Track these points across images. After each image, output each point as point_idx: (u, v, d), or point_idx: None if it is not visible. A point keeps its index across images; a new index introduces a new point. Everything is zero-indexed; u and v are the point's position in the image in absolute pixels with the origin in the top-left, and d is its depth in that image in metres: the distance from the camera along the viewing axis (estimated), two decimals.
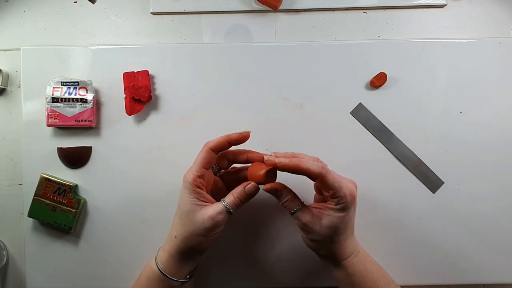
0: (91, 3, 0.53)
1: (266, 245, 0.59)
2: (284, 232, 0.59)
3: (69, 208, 0.58)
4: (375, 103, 0.59)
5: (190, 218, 0.49)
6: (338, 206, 0.48)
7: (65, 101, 0.57)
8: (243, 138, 0.51)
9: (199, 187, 0.50)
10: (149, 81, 0.58)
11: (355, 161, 0.59)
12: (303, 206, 0.50)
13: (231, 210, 0.50)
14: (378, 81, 0.58)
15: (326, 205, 0.49)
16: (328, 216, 0.48)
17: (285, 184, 0.51)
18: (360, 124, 0.59)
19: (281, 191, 0.51)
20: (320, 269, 0.59)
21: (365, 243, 0.59)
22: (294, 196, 0.51)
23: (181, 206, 0.50)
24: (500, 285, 0.60)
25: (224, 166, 0.53)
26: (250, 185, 0.51)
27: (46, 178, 0.58)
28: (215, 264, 0.59)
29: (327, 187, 0.48)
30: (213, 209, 0.49)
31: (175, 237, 0.50)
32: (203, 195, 0.50)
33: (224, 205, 0.50)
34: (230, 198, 0.50)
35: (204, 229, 0.49)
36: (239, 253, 0.59)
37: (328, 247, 0.50)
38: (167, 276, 0.50)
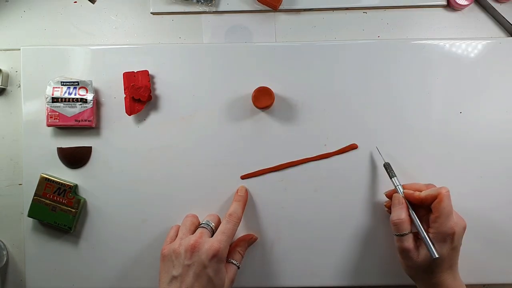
0: (91, 3, 0.53)
1: (266, 245, 0.59)
2: (284, 231, 0.59)
3: (69, 208, 0.58)
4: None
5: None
6: (434, 234, 0.49)
7: (65, 101, 0.57)
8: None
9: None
10: (149, 81, 0.58)
11: (361, 159, 0.59)
12: (411, 232, 0.51)
13: (240, 266, 0.53)
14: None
15: (425, 236, 0.50)
16: (425, 247, 0.49)
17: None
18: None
19: (401, 210, 0.52)
20: (321, 267, 0.59)
21: (365, 242, 0.59)
22: (409, 219, 0.51)
23: (217, 283, 0.48)
24: (500, 285, 0.60)
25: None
26: (253, 239, 0.56)
27: (46, 178, 0.58)
28: None
29: (436, 210, 0.49)
30: (232, 273, 0.51)
31: None
32: None
33: (236, 265, 0.52)
34: (238, 257, 0.53)
35: None
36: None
37: (424, 280, 0.50)
38: None
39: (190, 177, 0.59)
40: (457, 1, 0.60)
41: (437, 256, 0.48)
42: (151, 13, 0.62)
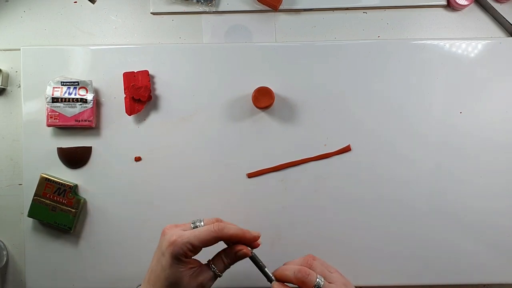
0: (91, 3, 0.53)
1: (266, 244, 0.59)
2: (284, 231, 0.59)
3: (69, 208, 0.58)
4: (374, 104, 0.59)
5: (178, 286, 0.46)
6: None
7: (65, 101, 0.57)
8: (254, 241, 0.48)
9: (188, 257, 0.46)
10: (149, 81, 0.58)
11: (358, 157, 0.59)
12: None
13: (220, 275, 0.48)
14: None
15: None
16: None
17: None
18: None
19: None
20: None
21: (365, 242, 0.59)
22: None
23: (169, 276, 0.45)
24: (500, 285, 0.60)
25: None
26: (243, 251, 0.48)
27: (46, 178, 0.58)
28: None
29: None
30: (203, 277, 0.46)
31: None
32: (191, 261, 0.47)
33: (214, 271, 0.47)
34: (220, 264, 0.48)
35: None
36: None
37: None
38: None
39: (189, 177, 0.59)
40: (457, 1, 0.60)
41: None
42: (151, 13, 0.62)
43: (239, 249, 0.48)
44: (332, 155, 0.59)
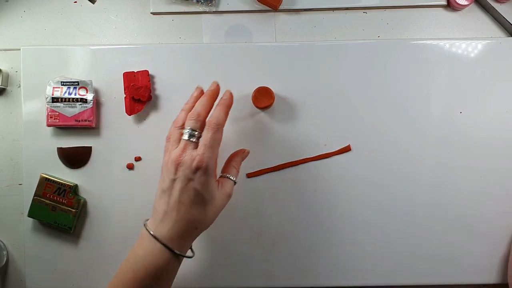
0: (91, 3, 0.53)
1: (266, 245, 0.59)
2: (284, 231, 0.59)
3: (69, 208, 0.58)
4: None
5: (215, 204, 0.49)
6: None
7: (65, 101, 0.57)
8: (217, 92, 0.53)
9: (215, 171, 0.49)
10: (149, 81, 0.58)
11: (359, 154, 0.59)
12: None
13: (236, 181, 0.52)
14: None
15: None
16: None
17: None
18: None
19: None
20: (321, 267, 0.59)
21: (365, 242, 0.59)
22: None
23: (206, 196, 0.48)
24: (500, 285, 0.60)
25: None
26: (246, 153, 0.55)
27: (46, 178, 0.58)
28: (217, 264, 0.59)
29: None
30: (228, 187, 0.51)
31: (196, 228, 0.48)
32: (215, 175, 0.50)
33: (232, 179, 0.52)
34: (233, 171, 0.53)
35: (223, 208, 0.50)
36: (238, 250, 0.59)
37: None
38: (182, 256, 0.48)
39: None
40: (457, 1, 0.60)
41: None
42: (151, 13, 0.62)
43: (243, 151, 0.55)
44: (332, 155, 0.59)
